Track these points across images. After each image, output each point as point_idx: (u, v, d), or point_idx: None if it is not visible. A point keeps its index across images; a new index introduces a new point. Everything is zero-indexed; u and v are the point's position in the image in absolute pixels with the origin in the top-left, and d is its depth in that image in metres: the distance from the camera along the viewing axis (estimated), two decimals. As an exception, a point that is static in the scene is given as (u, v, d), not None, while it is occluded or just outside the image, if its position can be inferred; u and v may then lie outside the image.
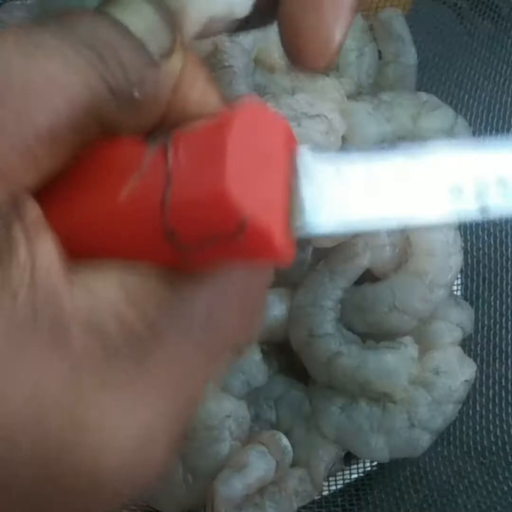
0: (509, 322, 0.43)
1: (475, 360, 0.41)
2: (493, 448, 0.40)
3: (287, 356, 0.45)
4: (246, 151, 0.14)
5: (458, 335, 0.42)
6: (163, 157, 0.14)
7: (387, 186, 0.15)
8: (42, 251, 0.14)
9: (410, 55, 0.47)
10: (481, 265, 0.46)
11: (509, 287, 0.44)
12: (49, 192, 0.16)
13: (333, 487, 0.43)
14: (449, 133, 0.44)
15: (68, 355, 0.14)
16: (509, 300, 0.44)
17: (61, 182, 0.16)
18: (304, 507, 0.41)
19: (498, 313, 0.44)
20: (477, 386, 0.42)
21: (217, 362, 0.17)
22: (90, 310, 0.14)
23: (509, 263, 0.45)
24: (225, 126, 0.14)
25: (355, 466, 0.44)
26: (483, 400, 0.42)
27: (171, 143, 0.15)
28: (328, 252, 0.42)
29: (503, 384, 0.42)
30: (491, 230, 0.45)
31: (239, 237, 0.14)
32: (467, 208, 0.15)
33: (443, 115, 0.45)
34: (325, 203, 0.15)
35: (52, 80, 0.14)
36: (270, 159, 0.14)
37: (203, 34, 0.18)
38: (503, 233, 0.45)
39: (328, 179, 0.15)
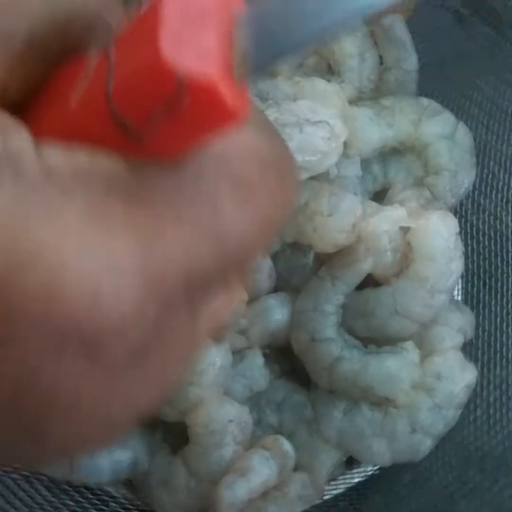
0: (510, 328, 0.44)
1: (476, 365, 0.41)
2: (494, 453, 0.40)
3: (289, 361, 0.45)
4: (183, 13, 0.13)
5: (459, 340, 0.42)
6: (106, 53, 0.14)
7: None
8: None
9: (411, 61, 0.47)
10: (481, 270, 0.46)
11: (509, 292, 0.44)
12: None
13: (335, 491, 0.44)
14: (450, 139, 0.45)
15: (22, 178, 0.13)
16: (509, 305, 0.44)
17: (27, 105, 0.16)
18: (306, 511, 0.41)
19: (498, 319, 0.44)
20: (478, 391, 0.43)
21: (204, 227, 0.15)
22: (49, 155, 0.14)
23: (510, 268, 0.45)
24: None
25: (357, 470, 0.44)
26: (484, 405, 0.42)
27: (114, 38, 0.14)
28: (330, 258, 0.42)
29: (504, 389, 0.42)
30: (492, 235, 0.46)
31: (183, 100, 0.13)
32: None
33: (444, 120, 0.45)
34: (267, 36, 0.13)
35: None
36: (209, 13, 0.13)
37: None
38: (504, 238, 0.45)
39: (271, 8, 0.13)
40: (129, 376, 0.15)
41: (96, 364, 0.14)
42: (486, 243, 0.46)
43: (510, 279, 0.45)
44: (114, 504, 0.41)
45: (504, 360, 0.43)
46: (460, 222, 0.42)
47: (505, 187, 0.46)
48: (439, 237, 0.41)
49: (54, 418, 0.15)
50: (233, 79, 0.13)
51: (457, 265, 0.41)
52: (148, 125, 0.14)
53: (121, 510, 0.41)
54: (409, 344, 0.41)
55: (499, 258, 0.46)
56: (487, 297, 0.45)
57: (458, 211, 0.47)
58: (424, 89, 0.47)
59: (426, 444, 0.40)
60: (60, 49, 0.15)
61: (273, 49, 0.13)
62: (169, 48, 0.13)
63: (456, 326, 0.42)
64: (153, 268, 0.14)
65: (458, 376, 0.41)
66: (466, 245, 0.46)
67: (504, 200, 0.46)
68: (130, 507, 0.41)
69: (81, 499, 0.40)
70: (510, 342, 0.43)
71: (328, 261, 0.43)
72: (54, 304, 0.13)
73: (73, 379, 0.14)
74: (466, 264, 0.45)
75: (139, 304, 0.14)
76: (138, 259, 0.14)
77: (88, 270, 0.13)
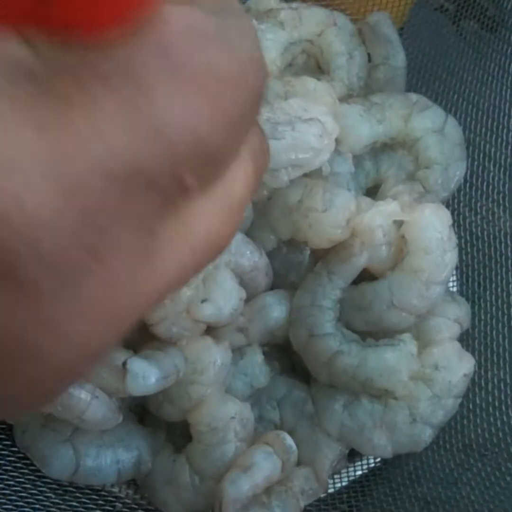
0: (505, 316, 0.44)
1: (473, 354, 0.42)
2: (494, 440, 0.41)
3: (288, 357, 0.45)
4: None
5: (455, 330, 0.43)
6: None
7: None
8: None
9: (399, 57, 0.48)
10: (475, 261, 0.46)
11: (504, 281, 0.45)
12: None
13: (338, 485, 0.44)
14: (440, 133, 0.45)
15: None
16: (504, 294, 0.45)
17: None
18: (310, 505, 0.42)
19: (494, 308, 0.45)
20: (476, 379, 0.43)
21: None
22: None
23: (503, 257, 0.46)
24: None
25: (359, 463, 0.44)
26: (483, 393, 0.43)
27: None
28: (325, 253, 0.43)
29: (502, 376, 0.43)
30: (484, 226, 0.46)
31: None
32: None
33: (433, 114, 0.45)
34: None
35: None
36: None
37: None
38: (496, 229, 0.46)
39: None
40: (60, 303, 0.13)
41: (14, 292, 0.12)
42: (479, 234, 0.47)
43: (503, 269, 0.45)
44: (119, 504, 0.41)
45: (500, 348, 0.43)
46: (452, 215, 0.43)
47: (496, 179, 0.47)
48: (433, 229, 0.41)
49: None
50: None
51: (451, 257, 0.42)
52: None
53: (126, 510, 0.41)
54: (407, 336, 0.42)
55: (492, 248, 0.46)
56: (482, 287, 0.46)
57: (451, 204, 0.48)
58: (413, 85, 0.48)
59: (427, 434, 0.41)
60: None
61: None
62: None
63: (452, 317, 0.43)
64: (65, 168, 0.12)
65: (456, 366, 0.41)
66: (459, 237, 0.47)
67: (495, 191, 0.46)
68: (134, 506, 0.41)
69: (86, 500, 0.40)
70: (506, 331, 0.44)
71: (324, 257, 0.43)
72: None
73: None
74: (460, 256, 0.46)
75: (52, 212, 0.12)
76: (44, 159, 0.12)
77: None
